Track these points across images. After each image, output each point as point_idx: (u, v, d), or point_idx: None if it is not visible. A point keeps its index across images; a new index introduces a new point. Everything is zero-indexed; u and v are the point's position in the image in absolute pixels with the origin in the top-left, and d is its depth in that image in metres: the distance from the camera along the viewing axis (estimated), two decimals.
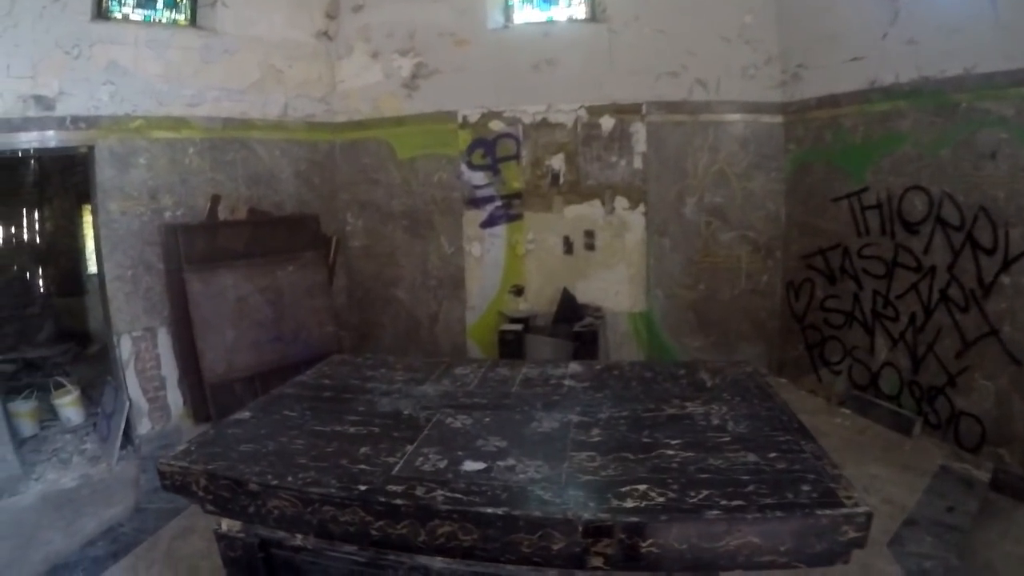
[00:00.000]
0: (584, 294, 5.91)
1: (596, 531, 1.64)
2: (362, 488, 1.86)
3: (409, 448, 2.13)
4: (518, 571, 2.04)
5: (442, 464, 2.01)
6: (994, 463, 3.91)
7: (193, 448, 2.21)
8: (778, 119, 5.56)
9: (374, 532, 1.81)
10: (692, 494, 1.72)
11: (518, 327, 5.58)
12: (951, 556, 3.27)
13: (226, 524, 2.24)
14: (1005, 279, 3.85)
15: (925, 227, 4.34)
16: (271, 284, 5.45)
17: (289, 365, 5.22)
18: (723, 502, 1.66)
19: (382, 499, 1.80)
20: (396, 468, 1.98)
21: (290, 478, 1.95)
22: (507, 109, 5.87)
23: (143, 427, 4.96)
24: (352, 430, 2.32)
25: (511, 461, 2.01)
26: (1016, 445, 3.84)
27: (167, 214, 5.10)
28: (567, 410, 2.47)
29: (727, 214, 5.69)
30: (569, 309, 5.73)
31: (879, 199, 4.69)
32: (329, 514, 1.85)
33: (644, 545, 1.60)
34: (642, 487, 1.78)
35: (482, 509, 1.71)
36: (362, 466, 2.01)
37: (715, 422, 2.22)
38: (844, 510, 1.58)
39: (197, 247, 5.07)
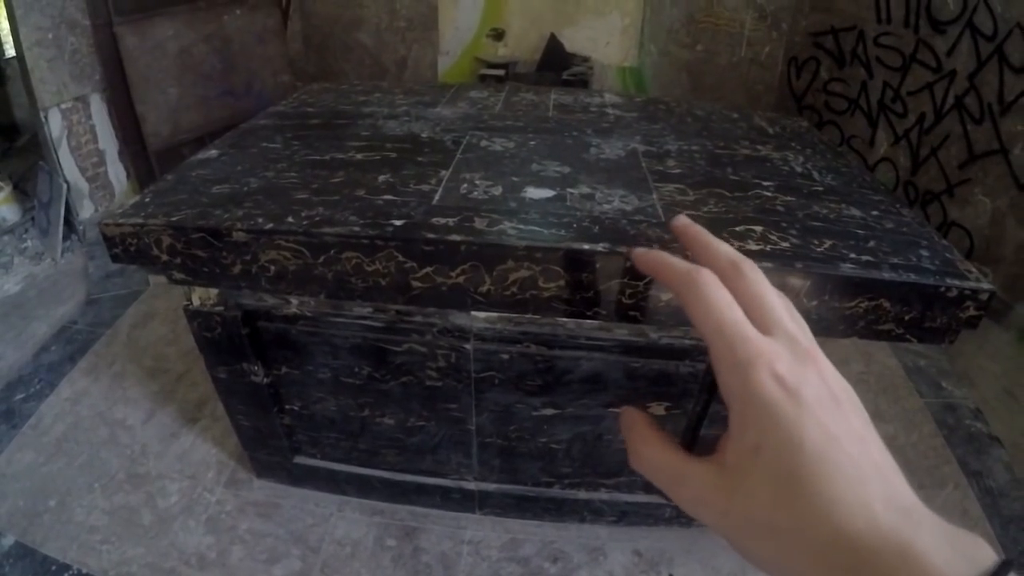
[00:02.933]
0: (572, 42, 5.45)
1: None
2: (398, 223, 1.36)
3: (444, 173, 1.65)
4: (579, 332, 1.73)
5: (496, 191, 1.54)
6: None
7: (149, 199, 1.53)
8: None
9: (417, 283, 1.34)
10: (815, 243, 1.36)
11: (499, 72, 5.10)
12: (943, 360, 3.41)
13: (198, 296, 1.77)
14: None
15: (954, 28, 3.99)
16: (217, 31, 4.78)
17: (242, 121, 4.76)
18: (852, 255, 1.31)
19: (431, 235, 1.32)
20: (436, 197, 1.51)
21: (291, 219, 1.38)
22: None
23: (85, 210, 4.42)
24: (360, 156, 1.78)
25: (586, 189, 1.58)
26: (1001, 267, 3.73)
27: None
28: (626, 138, 2.03)
29: None
30: (556, 56, 5.29)
31: None
32: (352, 262, 1.34)
33: None
34: (758, 228, 1.41)
35: (576, 245, 1.29)
36: (388, 196, 1.50)
37: (798, 169, 1.83)
38: (971, 283, 1.29)
39: None
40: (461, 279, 1.35)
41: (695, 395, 1.84)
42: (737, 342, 0.45)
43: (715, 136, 2.14)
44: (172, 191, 1.58)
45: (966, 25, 3.91)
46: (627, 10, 5.36)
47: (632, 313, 1.30)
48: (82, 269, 4.01)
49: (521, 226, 1.38)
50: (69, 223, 4.35)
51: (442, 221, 1.39)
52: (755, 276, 0.51)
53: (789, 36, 5.25)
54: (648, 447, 0.50)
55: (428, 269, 1.35)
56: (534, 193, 1.56)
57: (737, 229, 1.42)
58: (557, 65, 5.19)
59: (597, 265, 1.28)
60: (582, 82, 4.95)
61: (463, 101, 2.45)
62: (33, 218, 4.67)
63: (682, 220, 0.63)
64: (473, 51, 5.58)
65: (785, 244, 1.36)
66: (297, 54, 5.75)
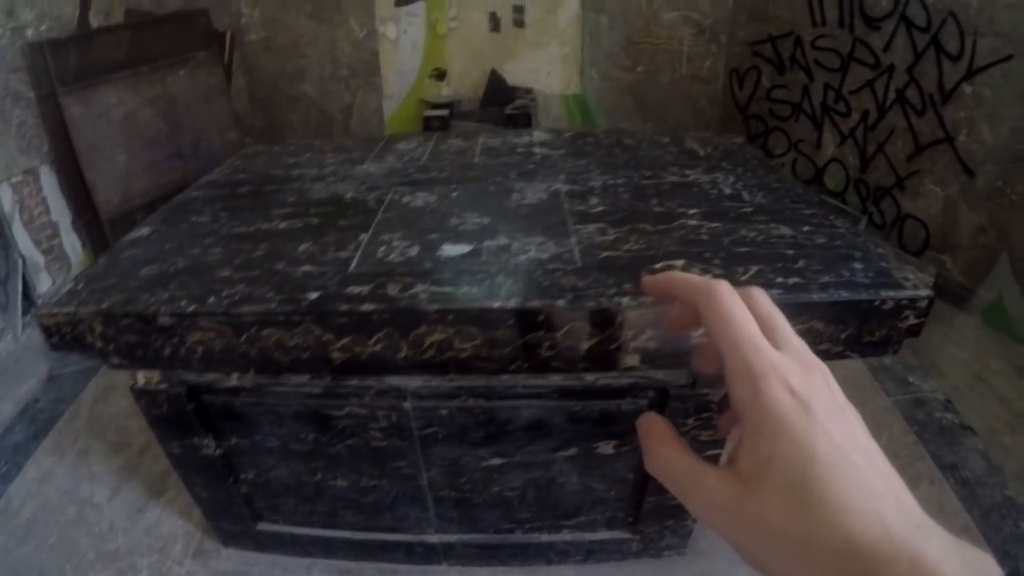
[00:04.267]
0: (513, 75, 5.44)
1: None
2: (313, 296, 1.37)
3: (364, 237, 1.65)
4: (515, 382, 1.71)
5: (413, 251, 1.54)
6: (937, 269, 3.87)
7: (81, 285, 1.55)
8: None
9: (337, 354, 1.35)
10: (740, 270, 1.36)
11: (443, 112, 5.09)
12: (908, 355, 3.38)
13: (143, 375, 1.75)
14: (967, 88, 3.60)
15: (888, 24, 4.04)
16: (161, 93, 4.77)
17: (193, 182, 4.75)
18: (779, 279, 1.31)
19: (344, 307, 1.33)
20: (353, 263, 1.51)
21: (212, 299, 1.40)
22: None
23: (43, 284, 4.33)
24: (284, 225, 1.79)
25: (503, 240, 1.57)
26: (959, 253, 3.78)
27: (29, 32, 4.21)
28: (550, 179, 2.03)
29: None
30: (498, 91, 5.30)
31: None
32: (272, 339, 1.36)
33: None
34: (679, 262, 1.40)
35: (487, 304, 1.29)
36: (307, 267, 1.51)
37: (727, 191, 1.83)
38: (907, 292, 1.29)
39: (70, 64, 4.31)
40: (378, 347, 1.35)
41: None
42: (752, 355, 0.47)
43: (643, 165, 2.15)
44: (104, 275, 1.59)
45: (900, 19, 3.95)
46: (565, 39, 5.37)
47: (554, 364, 1.31)
48: (42, 345, 3.88)
49: (434, 288, 1.37)
50: (28, 298, 4.24)
51: (356, 290, 1.39)
52: (762, 296, 0.54)
53: (728, 48, 5.30)
54: (666, 449, 0.52)
55: (345, 340, 1.36)
56: (450, 250, 1.56)
57: (657, 266, 1.41)
58: (500, 100, 5.22)
59: (509, 322, 1.28)
60: (525, 115, 4.97)
61: (391, 155, 2.45)
62: None
63: (648, 278, 0.64)
64: (417, 93, 5.59)
65: (708, 276, 1.36)
66: (244, 110, 5.74)
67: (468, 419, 1.77)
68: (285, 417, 1.85)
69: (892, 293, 1.29)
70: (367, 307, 1.33)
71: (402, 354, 1.35)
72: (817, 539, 0.39)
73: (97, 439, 3.11)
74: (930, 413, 3.01)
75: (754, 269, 1.38)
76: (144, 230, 1.89)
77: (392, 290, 1.38)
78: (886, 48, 4.07)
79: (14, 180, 4.20)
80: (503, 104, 5.16)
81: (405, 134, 2.82)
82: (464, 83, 5.52)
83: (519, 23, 5.37)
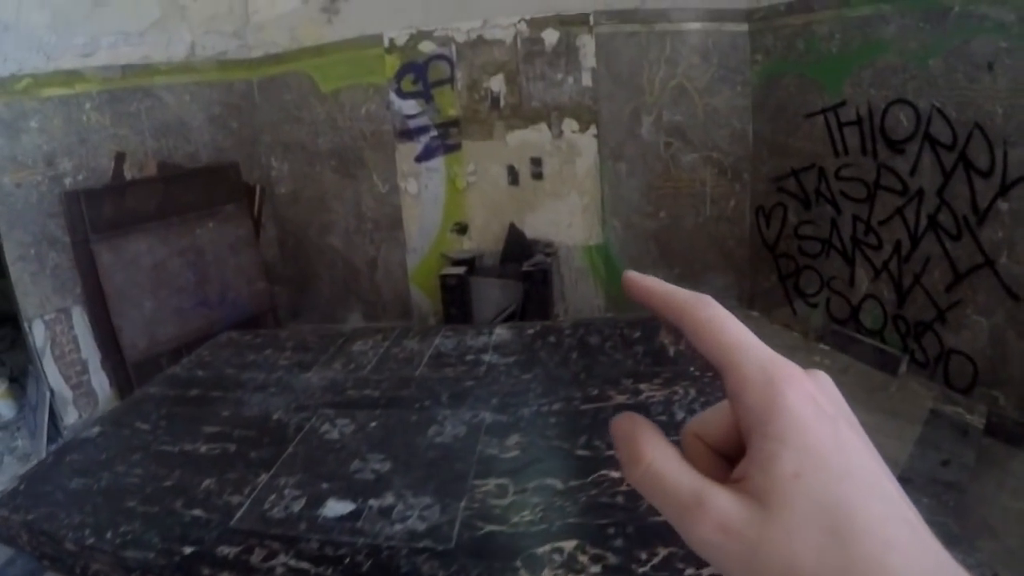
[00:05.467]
0: (533, 228, 5.42)
1: None
2: (187, 551, 1.35)
3: (264, 478, 1.61)
4: None
5: (297, 506, 1.47)
6: (988, 406, 3.61)
7: (23, 487, 1.69)
8: (743, 27, 4.97)
9: None
10: (644, 556, 1.15)
11: (460, 270, 5.05)
12: (950, 521, 2.91)
13: None
14: (1003, 205, 3.46)
15: (912, 146, 3.92)
16: (190, 244, 4.97)
17: (219, 331, 4.83)
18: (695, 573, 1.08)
19: (206, 571, 1.30)
20: (238, 514, 1.47)
21: (109, 534, 1.44)
22: (438, 27, 5.24)
23: (70, 416, 4.51)
24: (204, 449, 1.79)
25: (390, 499, 1.47)
26: (1012, 387, 3.54)
27: (68, 180, 4.55)
28: (481, 403, 1.91)
29: (688, 134, 5.15)
30: (517, 246, 5.25)
31: (859, 114, 4.22)
32: None
33: None
34: (569, 545, 1.22)
35: None
36: (197, 511, 1.50)
37: (680, 415, 1.65)
38: None
39: (104, 213, 4.56)
40: None
41: None
42: (766, 360, 0.38)
43: (593, 379, 1.99)
44: (43, 479, 1.73)
45: (924, 139, 3.83)
46: (584, 189, 5.36)
47: None
48: None
49: (292, 562, 1.29)
50: (55, 427, 4.39)
51: (225, 551, 1.35)
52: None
53: (752, 186, 5.20)
54: (656, 455, 0.40)
55: None
56: (332, 508, 1.47)
57: (538, 551, 1.23)
58: (519, 255, 5.18)
59: None
60: (542, 272, 4.91)
61: (340, 359, 2.42)
62: (25, 418, 4.76)
63: (632, 276, 0.50)
64: (439, 246, 5.62)
65: (596, 569, 1.17)
66: (274, 259, 5.90)
67: None
68: None
69: None
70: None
71: None
72: None
73: None
74: None
75: (662, 553, 1.16)
76: (94, 430, 1.99)
77: (255, 558, 1.31)
78: (913, 171, 3.94)
79: (47, 317, 4.46)
80: (522, 259, 5.11)
81: (369, 329, 2.83)
82: (485, 236, 5.54)
83: (537, 175, 5.41)
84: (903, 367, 4.12)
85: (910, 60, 3.84)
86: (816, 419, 0.36)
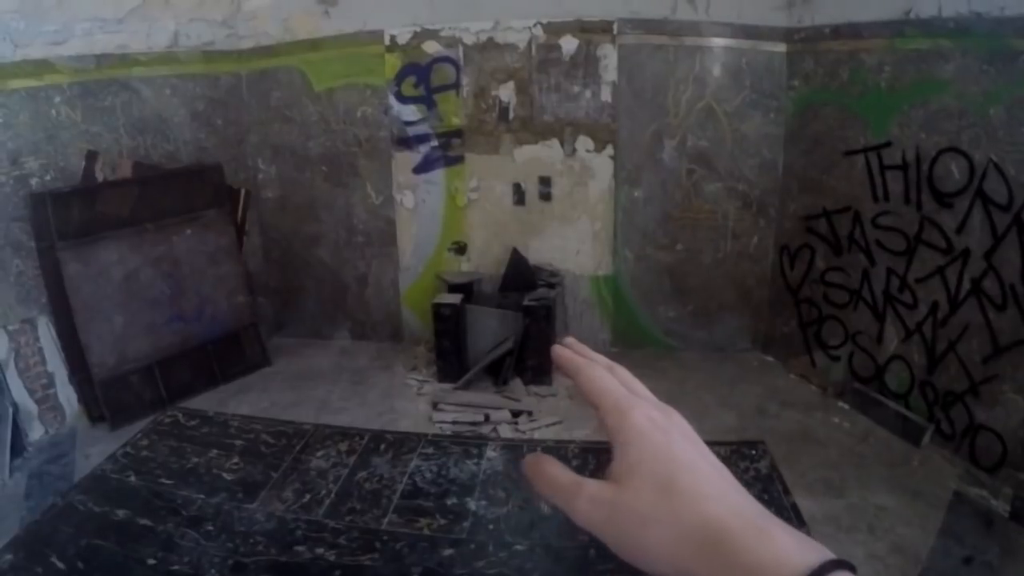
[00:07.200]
0: (538, 253, 5.12)
1: None
2: None
3: None
4: None
5: None
6: (1013, 489, 3.42)
7: None
8: (781, 48, 4.59)
9: None
10: None
11: (455, 299, 4.72)
12: None
13: None
14: None
15: (961, 201, 3.64)
16: (165, 254, 4.64)
17: (195, 347, 4.86)
18: None
19: None
20: None
21: None
22: (445, 27, 4.86)
23: (35, 432, 4.25)
24: None
25: None
26: None
27: (34, 181, 4.23)
28: None
29: (714, 161, 4.80)
30: (519, 273, 4.95)
31: (905, 159, 3.90)
32: None
33: None
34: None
35: None
36: None
37: None
38: None
39: (72, 218, 4.26)
40: None
41: None
42: (621, 398, 0.58)
43: (606, 559, 1.65)
44: None
45: (976, 195, 3.58)
46: (596, 214, 5.04)
47: None
48: (22, 498, 3.78)
49: None
50: (20, 443, 4.13)
51: None
52: (624, 371, 0.64)
53: (778, 223, 4.87)
54: (550, 469, 0.59)
55: None
56: None
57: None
58: (521, 284, 4.88)
59: None
60: (545, 308, 4.55)
61: (295, 480, 2.10)
62: None
63: (559, 351, 0.68)
64: (435, 266, 5.32)
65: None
66: (258, 269, 5.57)
67: None
68: None
69: None
70: None
71: None
72: (681, 519, 0.49)
73: None
74: None
75: None
76: (6, 558, 1.74)
77: None
78: (960, 229, 3.66)
79: (11, 328, 4.17)
80: (524, 288, 4.79)
81: (333, 433, 2.44)
82: (486, 259, 5.23)
83: (545, 196, 5.07)
84: (927, 438, 3.88)
85: (968, 105, 3.54)
86: (652, 429, 0.54)
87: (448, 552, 1.76)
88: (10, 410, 4.10)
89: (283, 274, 5.72)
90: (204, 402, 4.60)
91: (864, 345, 4.31)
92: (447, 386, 4.64)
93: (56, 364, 4.38)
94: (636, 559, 0.51)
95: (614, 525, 0.52)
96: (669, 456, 0.52)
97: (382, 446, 2.32)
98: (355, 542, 1.81)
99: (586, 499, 0.54)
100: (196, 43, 4.94)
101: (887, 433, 4.06)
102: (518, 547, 1.77)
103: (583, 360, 0.64)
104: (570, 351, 0.68)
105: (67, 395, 4.42)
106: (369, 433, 2.45)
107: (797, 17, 4.48)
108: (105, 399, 4.37)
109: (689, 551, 0.48)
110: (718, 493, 0.50)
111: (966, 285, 3.64)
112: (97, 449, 3.85)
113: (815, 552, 0.44)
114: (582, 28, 4.71)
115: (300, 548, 1.79)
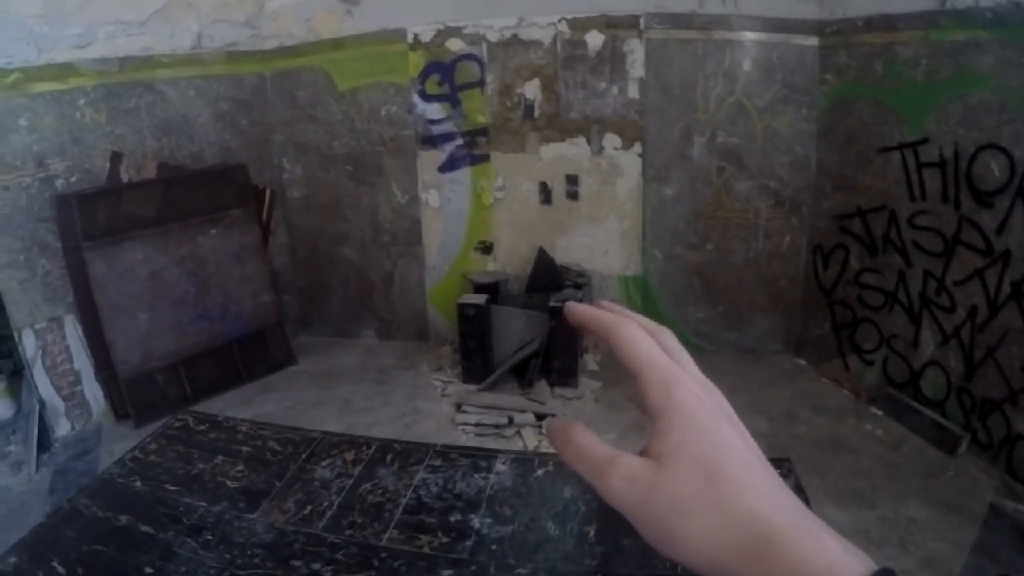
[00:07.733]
0: (566, 253, 5.06)
1: None
2: None
3: None
4: None
5: None
6: None
7: None
8: (813, 41, 4.44)
9: None
10: None
11: (480, 300, 4.67)
12: None
13: None
14: None
15: (1002, 200, 3.50)
16: (190, 253, 4.69)
17: (220, 346, 4.92)
18: None
19: None
20: None
21: None
22: (468, 24, 4.82)
23: (62, 428, 4.36)
24: None
25: None
26: None
27: (59, 182, 4.31)
28: None
29: (744, 159, 4.68)
30: (546, 273, 4.90)
31: (942, 156, 3.76)
32: None
33: None
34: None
35: None
36: None
37: None
38: None
39: (98, 218, 4.33)
40: None
41: None
42: (664, 369, 0.52)
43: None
44: None
45: (1017, 194, 3.46)
46: (625, 213, 4.94)
47: None
48: (47, 494, 3.86)
49: None
50: (46, 440, 4.24)
51: None
52: (669, 335, 0.57)
53: (811, 222, 4.74)
54: (580, 437, 0.54)
55: None
56: None
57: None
58: (547, 284, 4.82)
59: None
60: None
61: (298, 491, 2.09)
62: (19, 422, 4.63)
63: (572, 304, 0.62)
64: (461, 265, 5.28)
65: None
66: (284, 268, 5.60)
67: None
68: None
69: None
70: None
71: None
72: (725, 509, 0.46)
73: None
74: None
75: None
76: (10, 560, 1.79)
77: None
78: (1000, 229, 3.52)
79: (38, 327, 4.27)
80: (551, 288, 4.73)
81: (341, 442, 2.41)
82: (512, 258, 5.18)
83: (572, 195, 4.99)
84: (963, 447, 3.76)
85: (1010, 99, 3.39)
86: (698, 409, 0.50)
87: (447, 573, 1.73)
88: (37, 407, 4.22)
89: (309, 273, 5.74)
90: (228, 400, 4.66)
91: (899, 349, 4.19)
92: (471, 387, 4.60)
93: (82, 362, 4.48)
94: (669, 548, 0.48)
95: (649, 510, 0.49)
96: (717, 442, 0.49)
97: (389, 456, 2.30)
98: (353, 558, 1.79)
99: (622, 477, 0.50)
100: (219, 44, 4.97)
101: (921, 441, 3.94)
102: (521, 570, 1.72)
103: (612, 316, 0.57)
104: (584, 305, 0.61)
105: (93, 392, 4.53)
106: (377, 442, 2.41)
107: (829, 9, 4.34)
108: (130, 396, 4.45)
109: (730, 546, 0.45)
110: (765, 488, 0.47)
111: (1006, 288, 3.52)
112: (121, 446, 3.88)
113: (861, 560, 0.42)
114: (608, 23, 4.63)
115: (297, 563, 1.78)
